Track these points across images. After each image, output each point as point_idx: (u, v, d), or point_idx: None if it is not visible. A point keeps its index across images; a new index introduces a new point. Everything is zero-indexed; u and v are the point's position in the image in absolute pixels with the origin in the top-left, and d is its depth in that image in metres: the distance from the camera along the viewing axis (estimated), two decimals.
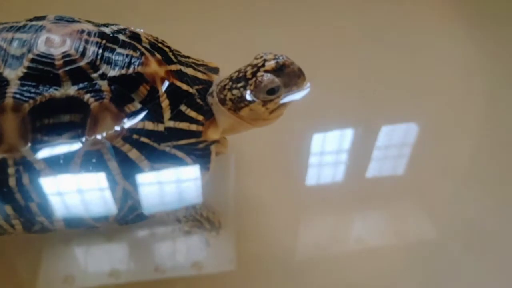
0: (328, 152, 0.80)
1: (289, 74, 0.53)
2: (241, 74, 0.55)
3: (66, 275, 0.64)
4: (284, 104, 0.56)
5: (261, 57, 0.54)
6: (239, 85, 0.55)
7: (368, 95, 0.87)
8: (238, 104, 0.55)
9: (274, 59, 0.53)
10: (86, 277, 0.64)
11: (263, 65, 0.53)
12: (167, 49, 0.60)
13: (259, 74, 0.53)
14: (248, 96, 0.55)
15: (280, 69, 0.53)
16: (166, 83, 0.55)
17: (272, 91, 0.53)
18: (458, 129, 0.85)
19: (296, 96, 0.56)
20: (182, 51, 0.66)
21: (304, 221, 0.73)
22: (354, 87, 0.88)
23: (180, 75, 0.58)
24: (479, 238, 0.71)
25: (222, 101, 0.57)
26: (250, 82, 0.54)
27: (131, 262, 0.65)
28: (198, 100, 0.58)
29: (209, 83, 0.61)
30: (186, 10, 1.01)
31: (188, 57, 0.64)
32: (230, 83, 0.56)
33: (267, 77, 0.53)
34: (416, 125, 0.85)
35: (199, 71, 0.62)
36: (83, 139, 0.51)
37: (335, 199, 0.75)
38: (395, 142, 0.82)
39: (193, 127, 0.57)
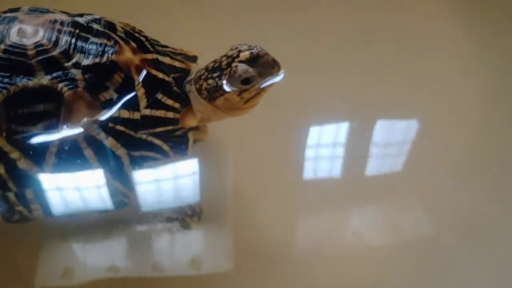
0: (325, 148, 0.80)
1: (263, 65, 0.54)
2: (216, 65, 0.56)
3: (65, 270, 0.64)
4: (259, 94, 0.56)
5: (236, 48, 0.55)
6: (214, 75, 0.55)
7: (367, 91, 0.87)
8: (213, 94, 0.56)
9: (248, 49, 0.54)
10: (85, 272, 0.64)
11: (237, 56, 0.54)
12: (143, 39, 0.60)
13: (233, 64, 0.54)
14: (223, 86, 0.55)
15: (254, 60, 0.54)
16: (142, 72, 0.55)
17: (247, 81, 0.54)
18: (456, 126, 0.85)
19: (271, 82, 0.56)
20: (164, 41, 0.66)
21: (301, 217, 0.73)
22: (352, 83, 0.88)
23: (156, 64, 0.58)
24: (476, 234, 0.71)
25: (198, 91, 0.57)
26: (225, 72, 0.54)
27: (129, 258, 0.66)
28: (175, 88, 0.58)
29: (186, 72, 0.61)
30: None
31: (166, 47, 0.64)
32: (206, 73, 0.57)
33: (242, 67, 0.54)
34: (414, 122, 0.85)
35: (176, 59, 0.62)
36: (58, 128, 0.51)
37: (332, 195, 0.75)
38: (392, 138, 0.82)
39: (170, 114, 0.57)
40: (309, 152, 0.78)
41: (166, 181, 0.70)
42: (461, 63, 0.94)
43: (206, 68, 0.57)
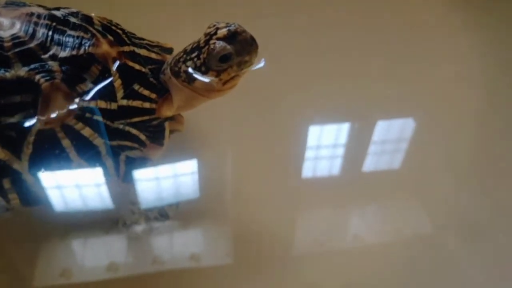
0: (325, 147, 0.80)
1: (241, 42, 0.54)
2: (195, 45, 0.56)
3: (64, 269, 0.64)
4: (237, 75, 0.57)
5: (214, 25, 0.55)
6: (193, 55, 0.56)
7: (366, 91, 0.87)
8: (192, 76, 0.56)
9: (226, 27, 0.54)
10: (84, 270, 0.65)
11: (215, 33, 0.54)
12: (120, 31, 0.62)
13: (211, 41, 0.54)
14: (201, 67, 0.56)
15: (232, 37, 0.54)
16: (119, 64, 0.57)
17: (225, 58, 0.54)
18: (455, 124, 0.85)
19: (250, 68, 0.57)
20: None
21: (302, 216, 0.73)
22: (351, 83, 0.89)
23: (133, 56, 0.59)
24: (475, 234, 0.71)
25: (176, 74, 0.58)
26: (203, 50, 0.55)
27: (129, 255, 0.66)
28: (151, 79, 0.60)
29: (162, 63, 0.63)
30: None
31: (143, 39, 0.66)
32: (185, 56, 0.57)
33: (219, 44, 0.53)
34: (413, 121, 0.85)
35: (153, 51, 0.64)
36: (36, 119, 0.52)
37: (332, 194, 0.75)
38: (392, 137, 0.83)
39: (146, 104, 0.59)
40: (308, 151, 0.79)
41: (165, 179, 0.72)
42: (461, 63, 0.95)
43: (185, 51, 0.58)
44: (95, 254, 0.66)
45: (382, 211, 0.74)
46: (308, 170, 0.77)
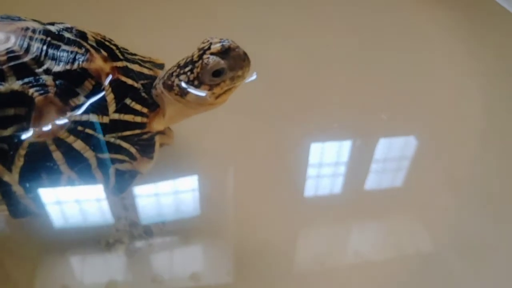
0: (326, 165, 0.81)
1: (234, 57, 0.56)
2: (188, 59, 0.58)
3: (63, 285, 0.64)
4: (229, 90, 0.59)
5: (208, 41, 0.57)
6: (186, 69, 0.57)
7: (367, 107, 0.88)
8: (185, 90, 0.58)
9: (219, 42, 0.56)
10: (82, 286, 0.64)
11: (209, 48, 0.56)
12: (113, 47, 0.63)
13: (205, 56, 0.55)
14: (194, 81, 0.57)
15: (225, 52, 0.55)
16: (112, 78, 0.58)
17: (218, 73, 0.56)
18: (457, 143, 0.86)
19: (243, 81, 0.58)
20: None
21: (302, 233, 0.73)
22: (354, 99, 0.90)
23: (126, 71, 0.61)
24: (476, 251, 0.71)
25: (169, 87, 0.59)
26: (196, 64, 0.56)
27: (128, 273, 0.66)
28: (143, 94, 0.61)
29: (154, 78, 0.64)
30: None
31: (135, 55, 0.68)
32: (178, 70, 0.58)
33: (213, 58, 0.55)
34: (414, 139, 0.86)
35: (145, 67, 0.65)
36: (28, 132, 0.53)
37: (333, 211, 0.75)
38: (393, 154, 0.83)
39: (138, 119, 0.60)
40: (309, 169, 0.79)
41: (166, 195, 0.73)
42: (462, 81, 0.96)
43: (178, 65, 0.59)
44: (94, 271, 0.65)
45: (383, 228, 0.74)
46: (309, 187, 0.78)
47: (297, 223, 0.73)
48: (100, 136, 0.57)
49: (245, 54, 0.56)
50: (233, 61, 0.56)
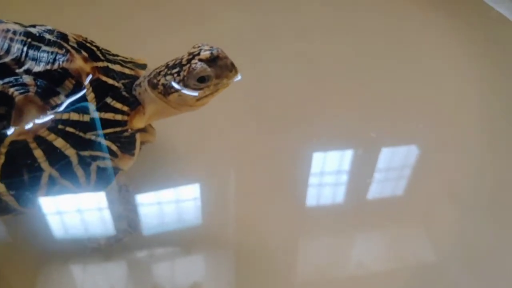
0: (328, 174, 0.80)
1: (221, 66, 0.57)
2: (177, 61, 0.59)
3: None
4: (212, 94, 0.60)
5: (198, 46, 0.59)
6: (173, 71, 0.59)
7: (369, 117, 0.88)
8: (169, 89, 0.59)
9: (209, 50, 0.57)
10: None
11: (198, 54, 0.57)
12: (95, 48, 0.65)
13: (193, 61, 0.57)
14: (179, 83, 0.59)
15: (213, 60, 0.57)
16: (92, 78, 0.59)
17: (203, 79, 0.57)
18: (459, 152, 0.85)
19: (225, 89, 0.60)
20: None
21: (305, 244, 0.72)
22: (356, 108, 0.89)
23: (107, 71, 0.62)
24: (479, 261, 0.71)
25: (154, 85, 0.60)
26: (184, 68, 0.58)
27: (129, 282, 0.66)
28: (124, 93, 0.63)
29: (136, 78, 0.65)
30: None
31: (117, 55, 0.69)
32: (166, 70, 0.60)
33: (201, 65, 0.57)
34: (416, 148, 0.85)
35: (126, 67, 0.66)
36: (9, 130, 0.54)
37: (335, 221, 0.75)
38: (396, 164, 0.83)
39: (118, 117, 0.61)
40: (311, 178, 0.79)
41: (167, 204, 0.73)
42: (463, 88, 0.95)
43: (166, 65, 0.60)
44: (95, 280, 0.66)
45: (386, 239, 0.74)
46: (310, 196, 0.77)
47: (299, 233, 0.73)
48: (81, 134, 0.58)
49: (232, 64, 0.58)
50: (220, 69, 0.57)
